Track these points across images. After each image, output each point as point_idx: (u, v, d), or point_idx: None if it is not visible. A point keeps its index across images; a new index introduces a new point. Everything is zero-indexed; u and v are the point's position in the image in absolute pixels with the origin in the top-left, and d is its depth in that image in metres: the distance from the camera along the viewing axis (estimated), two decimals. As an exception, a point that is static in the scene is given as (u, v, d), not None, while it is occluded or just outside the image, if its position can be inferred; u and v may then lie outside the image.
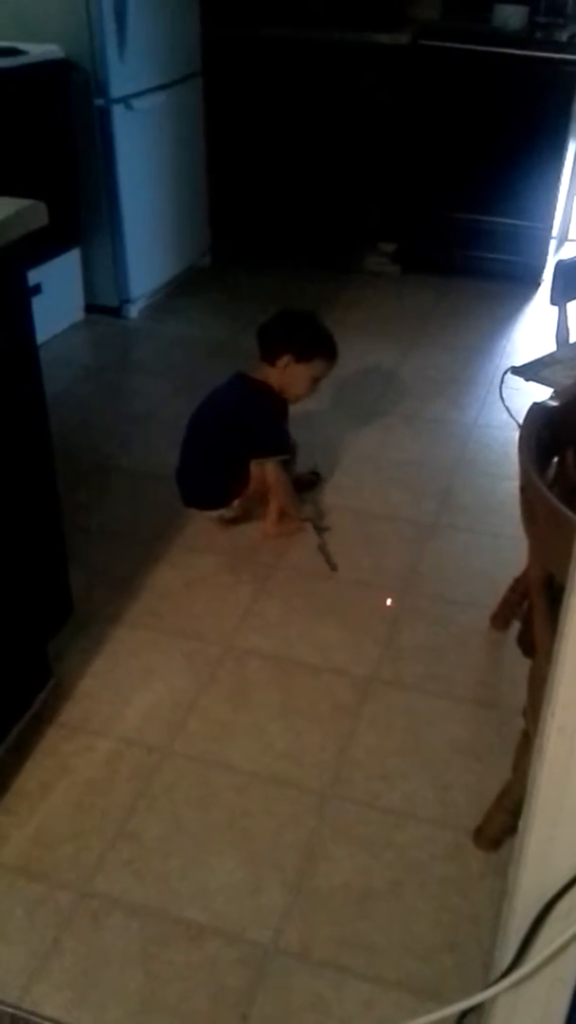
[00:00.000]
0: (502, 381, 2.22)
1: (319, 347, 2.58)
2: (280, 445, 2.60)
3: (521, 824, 1.09)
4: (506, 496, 2.67)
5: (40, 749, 1.95)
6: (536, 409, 1.47)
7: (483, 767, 1.92)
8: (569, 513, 1.24)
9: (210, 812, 1.83)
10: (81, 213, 3.71)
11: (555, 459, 1.56)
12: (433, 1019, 1.31)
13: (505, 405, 2.31)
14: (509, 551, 2.40)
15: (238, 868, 1.73)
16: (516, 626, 2.19)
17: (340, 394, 3.38)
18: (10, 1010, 1.50)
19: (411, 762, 1.94)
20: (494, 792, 1.74)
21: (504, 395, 2.33)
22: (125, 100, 3.58)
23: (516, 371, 2.13)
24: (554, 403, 1.51)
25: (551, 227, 4.25)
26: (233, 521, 2.62)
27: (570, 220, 4.73)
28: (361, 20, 4.15)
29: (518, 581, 2.19)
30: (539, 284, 4.28)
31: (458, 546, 2.61)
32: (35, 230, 1.62)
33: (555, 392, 1.96)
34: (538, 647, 1.47)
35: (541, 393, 1.91)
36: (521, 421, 1.44)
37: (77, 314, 3.90)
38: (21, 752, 1.93)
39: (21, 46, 3.26)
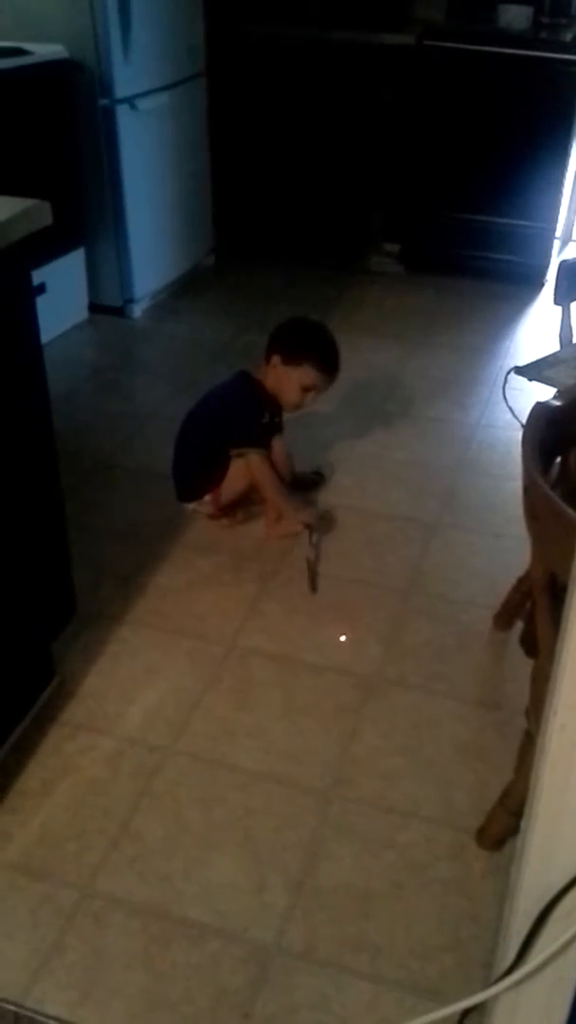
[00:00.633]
0: (505, 381, 2.22)
1: (308, 353, 2.50)
2: (252, 435, 2.54)
3: (523, 824, 1.09)
4: (509, 496, 2.67)
5: (43, 748, 1.95)
6: (539, 409, 1.47)
7: (485, 767, 1.92)
8: (572, 513, 1.24)
9: (213, 811, 1.83)
10: (85, 213, 3.71)
11: (558, 459, 1.56)
12: (435, 1018, 1.31)
13: (508, 405, 2.31)
14: (512, 551, 2.40)
15: (240, 868, 1.73)
16: (519, 626, 2.19)
17: (343, 394, 3.38)
18: (13, 1008, 1.50)
19: (413, 762, 1.94)
20: (496, 792, 1.74)
21: (507, 395, 2.33)
22: (129, 100, 3.59)
23: (519, 371, 2.13)
24: (557, 403, 1.52)
25: (555, 227, 4.25)
26: (234, 519, 2.62)
27: (574, 220, 4.73)
28: (366, 20, 4.15)
29: (521, 581, 2.19)
30: (542, 284, 4.28)
31: (461, 546, 2.61)
32: (39, 230, 1.63)
33: (558, 392, 1.96)
34: (541, 647, 1.47)
35: (544, 393, 1.92)
36: (524, 421, 1.44)
37: (81, 314, 3.90)
38: (24, 751, 1.93)
39: (26, 46, 3.26)
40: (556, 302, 2.30)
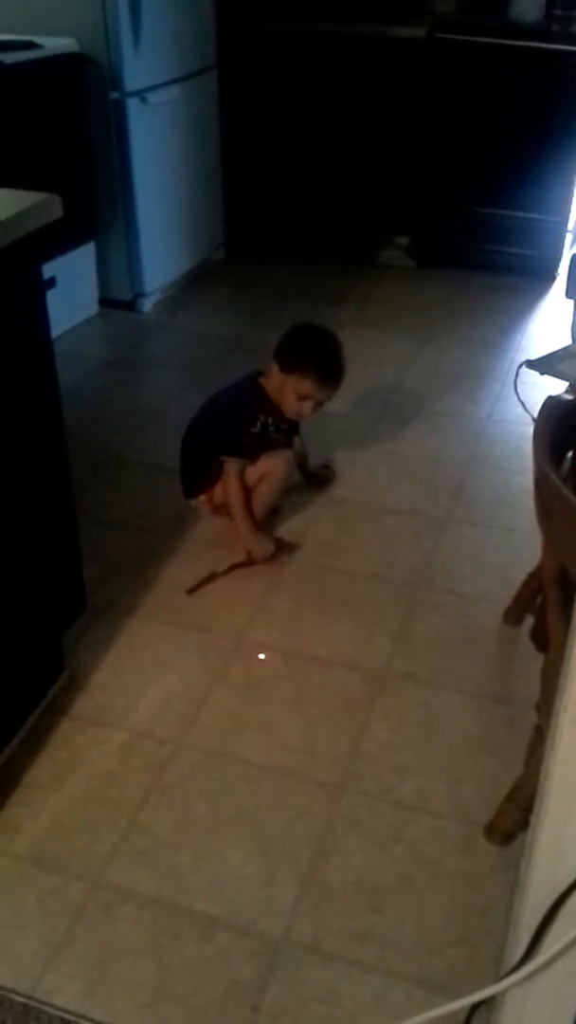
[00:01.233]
0: (517, 375, 2.21)
1: (303, 361, 2.44)
2: (233, 444, 2.47)
3: (533, 819, 1.09)
4: (520, 491, 2.67)
5: (53, 741, 1.96)
6: (551, 403, 1.46)
7: (495, 762, 1.92)
8: (583, 508, 1.23)
9: (222, 805, 1.83)
10: (95, 207, 3.71)
11: (570, 453, 1.55)
12: (444, 1012, 1.31)
13: (520, 399, 2.30)
14: (522, 546, 2.39)
15: (250, 861, 1.73)
16: (529, 621, 2.18)
17: (353, 388, 3.37)
18: (23, 999, 1.51)
19: (423, 756, 1.94)
20: (506, 787, 1.74)
21: (519, 389, 2.32)
22: (140, 94, 3.58)
23: (531, 365, 2.12)
24: (570, 397, 1.51)
25: (567, 220, 4.23)
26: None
27: (586, 214, 4.71)
28: (377, 13, 4.14)
29: (531, 576, 2.19)
30: (555, 278, 4.26)
31: (471, 541, 2.60)
32: (50, 223, 1.63)
33: (571, 386, 1.96)
34: (551, 642, 1.47)
35: (556, 387, 1.91)
36: (536, 415, 1.44)
37: (91, 308, 3.90)
38: (35, 744, 1.94)
39: (37, 40, 3.27)
40: (568, 295, 2.29)
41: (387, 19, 4.04)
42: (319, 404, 2.50)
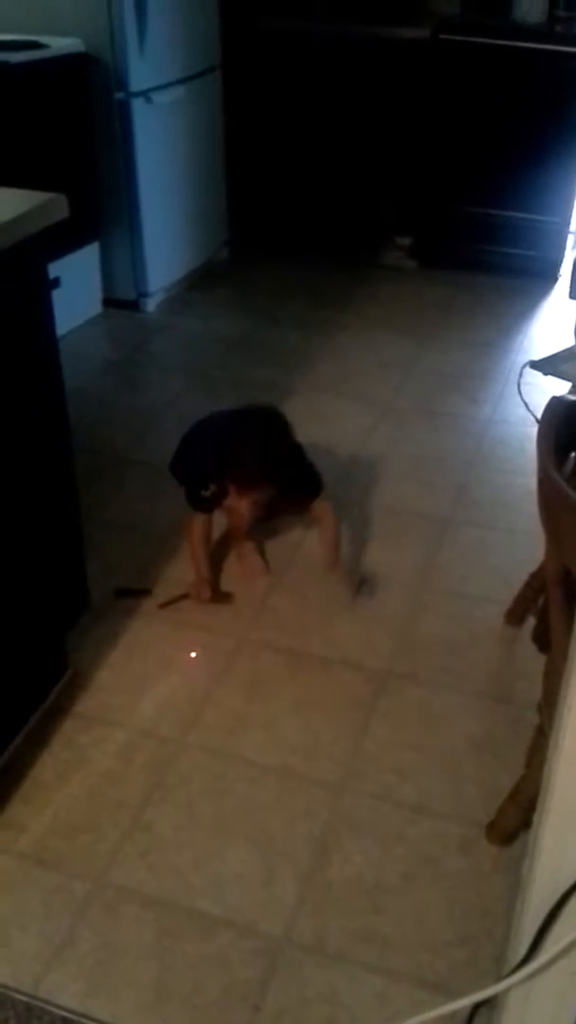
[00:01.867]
0: (520, 376, 2.21)
1: (213, 475, 2.20)
2: (176, 470, 2.31)
3: (536, 819, 1.09)
4: (522, 492, 2.67)
5: (57, 740, 1.96)
6: (555, 404, 1.46)
7: (497, 762, 1.92)
8: (586, 509, 1.24)
9: (224, 804, 1.84)
10: (100, 207, 3.72)
11: (573, 454, 1.56)
12: (445, 1012, 1.31)
13: (523, 400, 2.30)
14: (524, 547, 2.39)
15: (251, 860, 1.73)
16: (531, 622, 2.19)
17: (356, 389, 3.38)
18: (25, 998, 1.51)
19: (425, 756, 1.95)
20: (507, 787, 1.74)
21: (522, 390, 2.32)
22: (145, 94, 3.59)
23: (534, 366, 2.12)
24: (573, 398, 1.51)
25: (569, 222, 4.24)
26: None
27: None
28: (381, 14, 4.14)
29: (534, 577, 2.19)
30: (557, 279, 4.26)
31: (474, 541, 2.61)
32: (55, 223, 1.63)
33: (574, 387, 1.96)
34: (554, 642, 1.47)
35: (559, 388, 1.91)
36: (539, 416, 1.44)
37: (95, 308, 3.91)
38: (38, 743, 1.94)
39: (42, 40, 3.27)
40: (571, 296, 2.29)
41: (391, 20, 4.05)
42: (254, 504, 2.21)
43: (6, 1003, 1.50)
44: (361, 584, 2.38)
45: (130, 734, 1.98)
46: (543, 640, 1.69)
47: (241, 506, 2.21)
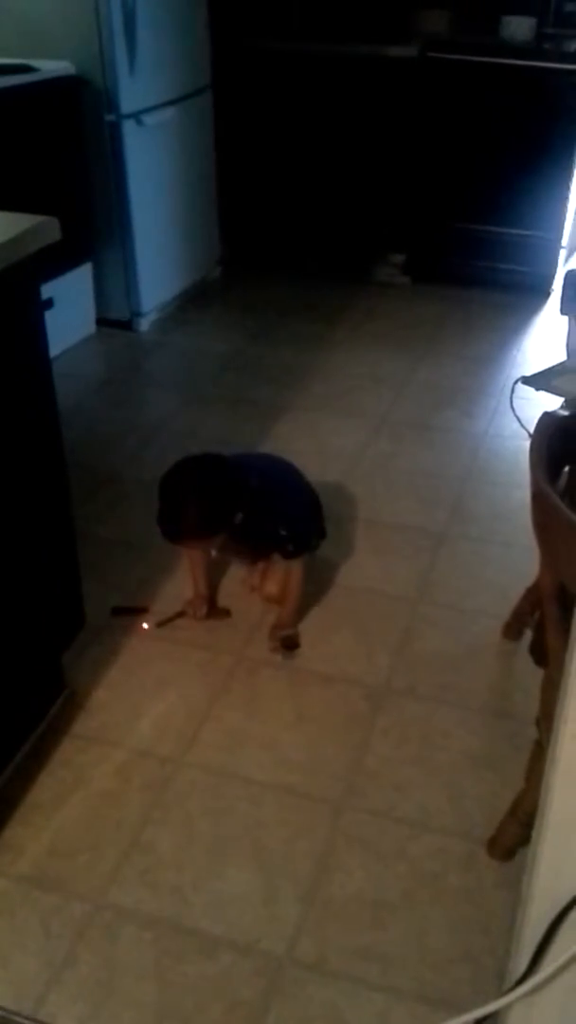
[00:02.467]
0: (513, 391, 2.23)
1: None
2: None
3: (535, 833, 1.09)
4: (517, 506, 2.68)
5: (54, 760, 1.95)
6: (547, 419, 1.47)
7: (496, 777, 1.92)
8: (580, 522, 1.24)
9: (223, 823, 1.83)
10: (93, 228, 3.73)
11: (566, 468, 1.56)
12: (448, 1029, 1.30)
13: (516, 415, 2.31)
14: (520, 561, 2.40)
15: (251, 879, 1.73)
16: (528, 636, 2.19)
17: (350, 404, 3.39)
18: (25, 1021, 1.50)
19: (424, 772, 1.94)
20: (507, 802, 1.74)
21: (515, 405, 2.33)
22: (136, 115, 3.61)
23: (527, 381, 2.14)
24: (565, 412, 1.52)
25: (560, 237, 4.26)
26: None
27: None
28: (370, 33, 4.18)
29: (530, 591, 2.19)
30: (549, 294, 4.29)
31: (469, 556, 2.61)
32: (48, 245, 1.64)
33: (566, 401, 1.97)
34: (550, 656, 1.47)
35: (552, 403, 1.92)
36: (532, 431, 1.44)
37: (89, 328, 3.92)
38: (36, 763, 1.94)
39: (33, 63, 3.29)
40: (563, 312, 2.30)
41: (380, 39, 4.08)
42: (211, 551, 2.27)
43: (6, 1027, 1.49)
44: (287, 645, 2.27)
45: (128, 753, 1.98)
46: (540, 654, 1.70)
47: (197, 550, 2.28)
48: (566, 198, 4.15)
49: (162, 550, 2.57)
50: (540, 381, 2.09)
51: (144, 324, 3.99)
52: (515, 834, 1.71)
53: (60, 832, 1.81)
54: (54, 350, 1.81)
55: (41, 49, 3.40)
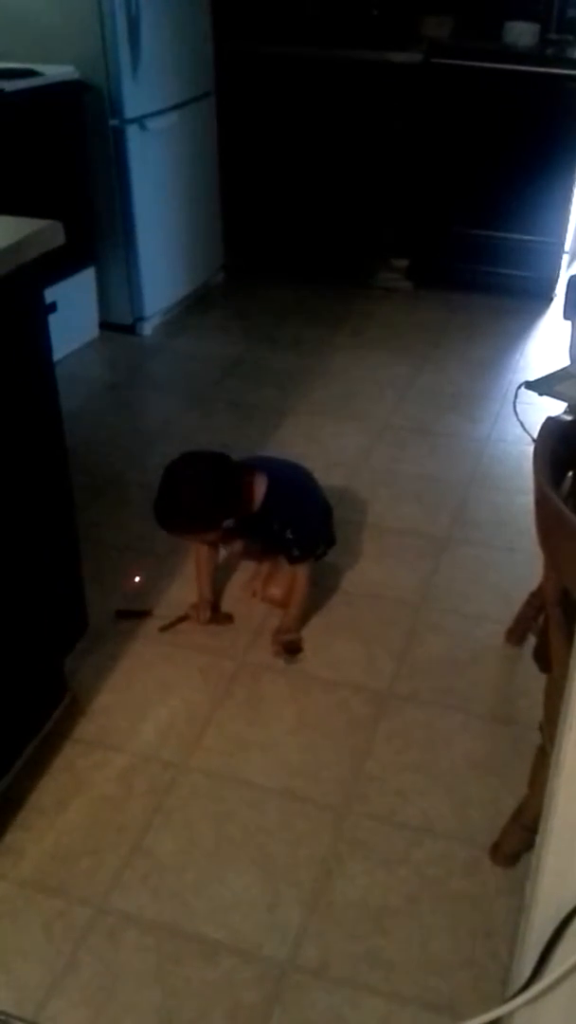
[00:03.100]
0: (516, 396, 2.23)
1: None
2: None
3: (538, 839, 1.09)
4: (520, 510, 2.67)
5: (56, 765, 1.95)
6: (551, 423, 1.47)
7: (500, 782, 1.91)
8: (584, 527, 1.24)
9: (226, 828, 1.83)
10: (96, 232, 3.74)
11: (570, 473, 1.56)
12: (451, 1036, 1.30)
13: (519, 419, 2.31)
14: (524, 566, 2.39)
15: (254, 884, 1.72)
16: (532, 641, 2.18)
17: (353, 409, 3.39)
18: (27, 1026, 1.50)
19: (427, 778, 1.94)
20: (511, 807, 1.74)
21: (518, 409, 2.33)
22: (139, 120, 3.62)
23: (530, 386, 2.14)
24: (569, 417, 1.52)
25: (563, 242, 4.26)
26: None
27: (582, 235, 4.74)
28: (373, 39, 4.18)
29: (533, 595, 2.19)
30: (552, 299, 4.29)
31: (472, 561, 2.61)
32: (52, 249, 1.64)
33: (569, 406, 1.97)
34: (554, 661, 1.47)
35: (555, 407, 1.92)
36: (535, 435, 1.44)
37: (92, 332, 3.92)
38: (37, 768, 1.94)
39: (37, 68, 3.30)
40: (566, 316, 2.30)
41: (384, 45, 4.08)
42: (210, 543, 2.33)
43: (8, 1032, 1.49)
44: (289, 649, 2.27)
45: (130, 758, 1.98)
46: (544, 659, 1.69)
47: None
48: (569, 203, 4.16)
49: (164, 554, 2.58)
50: (543, 386, 2.09)
51: (147, 328, 3.99)
52: (519, 840, 1.71)
53: (62, 836, 1.81)
54: (57, 354, 1.81)
55: (45, 54, 3.41)
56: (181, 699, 2.13)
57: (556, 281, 4.29)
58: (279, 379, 3.61)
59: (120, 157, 3.62)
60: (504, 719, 2.09)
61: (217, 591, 2.44)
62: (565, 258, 4.33)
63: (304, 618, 2.34)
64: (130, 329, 3.97)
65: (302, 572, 2.29)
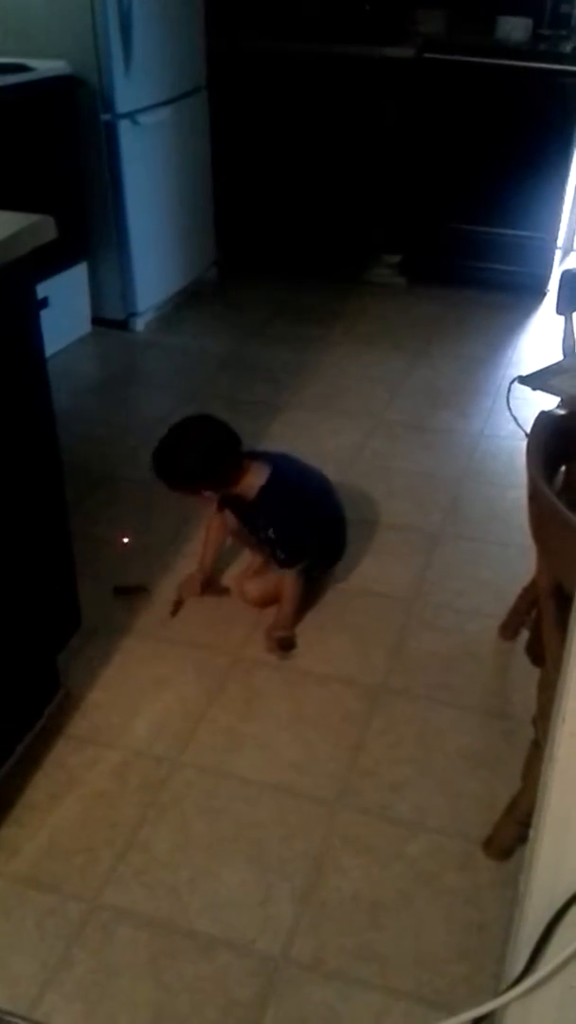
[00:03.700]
0: (509, 391, 2.23)
1: None
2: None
3: (532, 832, 1.09)
4: (513, 505, 2.68)
5: (49, 761, 1.95)
6: (544, 418, 1.47)
7: (493, 776, 1.92)
8: (577, 521, 1.24)
9: (219, 823, 1.83)
10: (88, 227, 3.73)
11: (563, 468, 1.56)
12: (445, 1029, 1.30)
13: (512, 414, 2.31)
14: (517, 560, 2.40)
15: (248, 879, 1.72)
16: (525, 635, 2.19)
17: (346, 405, 3.39)
18: (20, 1022, 1.50)
19: (421, 772, 1.94)
20: (504, 802, 1.74)
21: (511, 405, 2.33)
22: (131, 115, 3.61)
23: (523, 380, 2.13)
24: (561, 412, 1.52)
25: (556, 237, 4.27)
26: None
27: (575, 230, 4.74)
28: (366, 34, 4.18)
29: (526, 590, 2.19)
30: (544, 294, 4.29)
31: (466, 555, 2.61)
32: (43, 244, 1.63)
33: (562, 401, 1.97)
34: (547, 656, 1.47)
35: (548, 402, 1.92)
36: (528, 430, 1.44)
37: (84, 327, 3.92)
38: (31, 764, 1.93)
39: (28, 62, 3.29)
40: (558, 312, 2.30)
41: (377, 40, 4.08)
42: (207, 501, 2.35)
43: (2, 1028, 1.49)
44: (283, 645, 2.27)
45: (124, 754, 1.98)
46: (537, 653, 1.70)
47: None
48: (561, 198, 4.16)
49: (158, 550, 2.58)
50: (536, 381, 2.08)
51: (139, 324, 3.98)
52: (512, 834, 1.71)
53: (56, 832, 1.81)
54: (49, 349, 1.80)
55: (37, 48, 3.39)
56: (174, 695, 2.13)
57: (549, 277, 4.29)
58: (272, 375, 3.61)
59: (112, 152, 3.61)
60: (497, 713, 2.09)
61: (219, 569, 2.47)
62: (558, 254, 4.34)
63: (297, 617, 2.34)
64: (123, 325, 3.96)
65: (289, 581, 2.29)
